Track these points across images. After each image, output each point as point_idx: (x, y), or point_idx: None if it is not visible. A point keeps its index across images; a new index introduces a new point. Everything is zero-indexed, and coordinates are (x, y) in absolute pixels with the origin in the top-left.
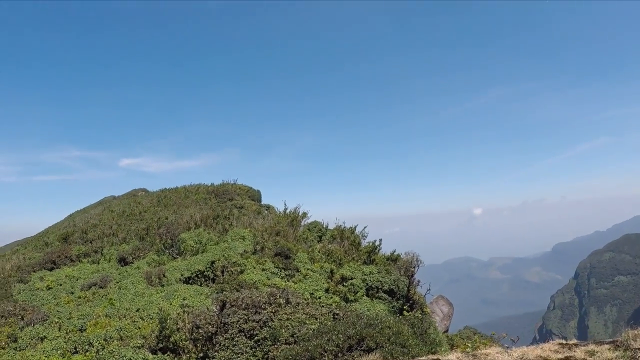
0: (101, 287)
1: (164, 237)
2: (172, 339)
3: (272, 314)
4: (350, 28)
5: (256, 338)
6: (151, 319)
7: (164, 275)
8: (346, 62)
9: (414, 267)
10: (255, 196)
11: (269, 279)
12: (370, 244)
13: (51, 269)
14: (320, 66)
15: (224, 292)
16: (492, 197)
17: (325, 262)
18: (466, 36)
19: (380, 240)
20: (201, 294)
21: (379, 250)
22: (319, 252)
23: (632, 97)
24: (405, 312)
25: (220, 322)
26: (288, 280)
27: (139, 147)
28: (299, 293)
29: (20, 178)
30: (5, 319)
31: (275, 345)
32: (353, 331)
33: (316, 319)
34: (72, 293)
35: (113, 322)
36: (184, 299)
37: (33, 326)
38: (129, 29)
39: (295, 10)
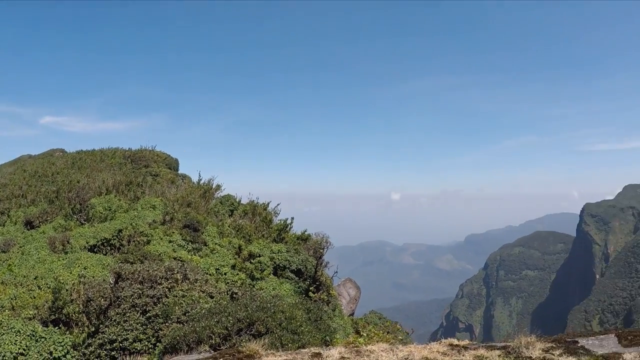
0: (3, 252)
1: (73, 202)
2: (64, 311)
3: (167, 289)
4: (295, 7)
5: (148, 314)
6: (48, 288)
7: (68, 242)
8: (286, 44)
9: (323, 249)
10: (172, 165)
11: (175, 252)
12: (282, 222)
13: None
14: (258, 44)
15: (121, 264)
16: (412, 183)
17: (234, 237)
18: (407, 27)
19: (292, 218)
20: (104, 263)
21: (290, 229)
22: (229, 226)
23: (563, 99)
24: (311, 293)
25: (114, 296)
26: (195, 254)
27: (63, 105)
28: (199, 269)
29: None
30: None
31: (167, 324)
32: (243, 314)
33: (212, 297)
34: None
35: (8, 289)
36: (84, 268)
37: None
38: None
39: None
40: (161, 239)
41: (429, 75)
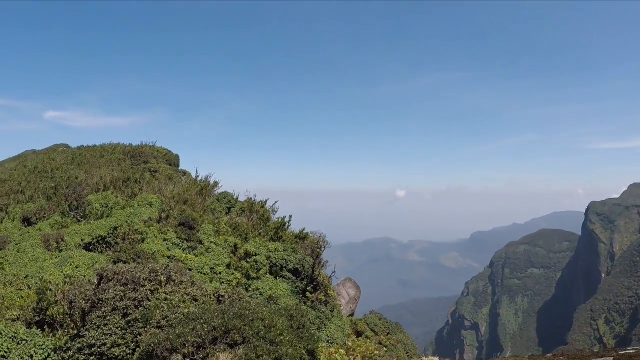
0: None
1: (70, 198)
2: (49, 313)
3: (150, 292)
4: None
5: (128, 318)
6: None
7: (62, 239)
8: (289, 44)
9: (320, 248)
10: (173, 160)
11: (169, 250)
12: (280, 220)
13: None
14: (260, 43)
15: (105, 265)
16: (416, 179)
17: (230, 235)
18: (407, 26)
19: (290, 216)
20: (97, 262)
21: (288, 227)
22: (225, 224)
23: (561, 98)
24: (308, 293)
25: (96, 298)
26: (189, 253)
27: (66, 100)
28: (185, 270)
29: None
30: None
31: (146, 328)
32: (219, 321)
33: (196, 300)
34: None
35: None
36: (76, 267)
37: None
38: None
39: None
40: (155, 236)
41: (434, 72)
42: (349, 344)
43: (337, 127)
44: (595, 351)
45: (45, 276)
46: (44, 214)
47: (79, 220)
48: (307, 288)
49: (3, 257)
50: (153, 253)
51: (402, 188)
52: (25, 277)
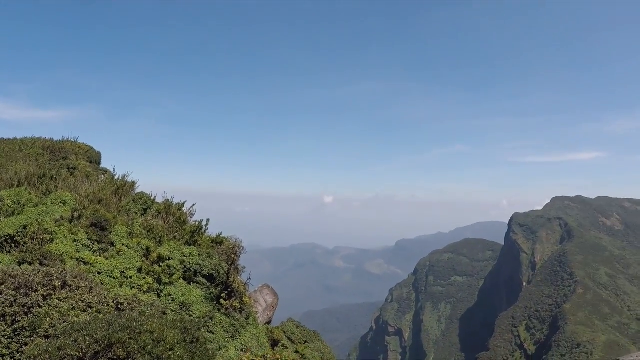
0: None
1: None
2: None
3: (42, 297)
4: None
5: (15, 326)
6: None
7: None
8: (220, 43)
9: (236, 254)
10: (94, 158)
11: (78, 252)
12: (196, 224)
13: None
14: (191, 42)
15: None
16: (345, 187)
17: (144, 238)
18: (343, 33)
19: (208, 220)
20: (0, 262)
21: (205, 231)
22: (140, 226)
23: (491, 111)
24: (222, 300)
25: None
26: (100, 255)
27: None
28: (85, 275)
29: None
30: None
31: (32, 338)
32: (102, 334)
33: (91, 308)
34: None
35: None
36: None
37: None
38: None
39: None
40: (66, 237)
41: (365, 80)
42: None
43: (268, 132)
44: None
45: None
46: None
47: None
48: (222, 295)
49: None
50: (61, 254)
51: (330, 194)
52: None
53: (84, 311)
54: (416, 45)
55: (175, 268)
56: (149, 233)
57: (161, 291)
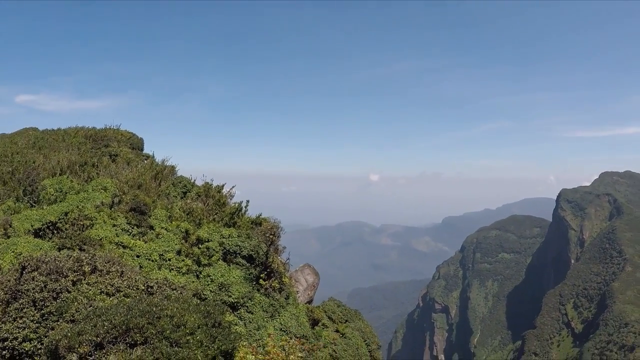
0: None
1: (24, 183)
2: None
3: (72, 283)
4: None
5: (44, 311)
6: None
7: (10, 226)
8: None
9: (274, 235)
10: (137, 144)
11: (117, 236)
12: (236, 205)
13: None
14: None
15: (27, 256)
16: (391, 165)
17: (184, 221)
18: (388, 14)
19: (248, 201)
20: (41, 249)
21: (245, 213)
22: (179, 209)
23: (537, 87)
24: (262, 281)
25: (16, 289)
26: (139, 239)
27: (39, 84)
28: (117, 259)
29: None
30: None
31: (58, 322)
32: (120, 319)
33: (120, 292)
34: None
35: None
36: (19, 255)
37: None
38: None
39: None
40: (105, 222)
41: (411, 59)
42: (269, 348)
43: (315, 113)
44: None
45: None
46: None
47: (32, 206)
48: (261, 275)
49: None
50: (101, 239)
51: (377, 173)
52: None
53: (112, 295)
54: (460, 24)
55: (214, 249)
56: (188, 216)
57: (200, 273)
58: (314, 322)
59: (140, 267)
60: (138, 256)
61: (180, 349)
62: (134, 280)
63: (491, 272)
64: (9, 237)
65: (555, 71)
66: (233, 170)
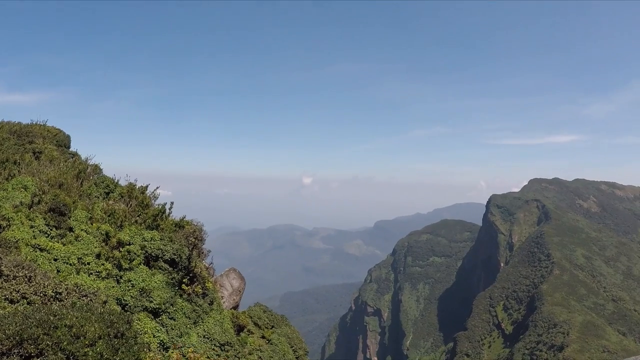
0: None
1: None
2: None
3: None
4: None
5: None
6: None
7: None
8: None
9: (197, 238)
10: (64, 141)
11: (35, 238)
12: (160, 207)
13: None
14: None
15: None
16: (324, 168)
17: (104, 223)
18: (319, 14)
19: (172, 203)
20: None
21: (169, 215)
22: (100, 210)
23: (470, 94)
24: (184, 286)
25: None
26: (58, 241)
27: None
28: (27, 263)
29: None
30: None
31: None
32: (14, 329)
33: (26, 298)
34: None
35: None
36: None
37: None
38: None
39: None
40: (22, 223)
41: (345, 62)
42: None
43: (249, 113)
44: None
45: None
46: None
47: None
48: (184, 280)
49: None
50: (17, 241)
51: (310, 176)
52: None
53: (17, 302)
54: (396, 27)
55: (135, 253)
56: (109, 217)
57: (121, 277)
58: (240, 328)
59: (58, 271)
60: (55, 259)
61: None
62: (42, 286)
63: (422, 275)
64: None
65: (489, 78)
66: (166, 171)
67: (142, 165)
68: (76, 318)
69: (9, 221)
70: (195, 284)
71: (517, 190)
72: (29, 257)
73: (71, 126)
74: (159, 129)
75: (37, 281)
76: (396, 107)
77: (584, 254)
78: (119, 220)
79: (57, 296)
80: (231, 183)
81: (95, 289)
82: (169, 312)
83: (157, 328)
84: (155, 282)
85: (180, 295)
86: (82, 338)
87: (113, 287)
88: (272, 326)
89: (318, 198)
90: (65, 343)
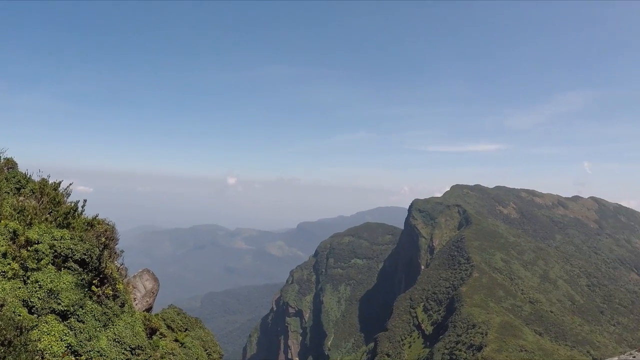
0: None
1: None
2: None
3: None
4: None
5: None
6: None
7: None
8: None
9: (109, 238)
10: None
11: None
12: (72, 205)
13: None
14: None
15: None
16: (249, 169)
17: (13, 220)
18: (249, 16)
19: (85, 201)
20: None
21: (81, 213)
22: (9, 207)
23: (396, 100)
24: (94, 287)
25: None
26: None
27: None
28: None
29: None
30: None
31: None
32: None
33: None
34: None
35: None
36: None
37: None
38: None
39: None
40: None
41: (271, 64)
42: None
43: (176, 111)
44: None
45: None
46: None
47: None
48: (94, 281)
49: None
50: None
51: (234, 176)
52: None
53: None
54: (323, 30)
55: (44, 252)
56: (19, 214)
57: (28, 278)
58: (152, 332)
59: None
60: None
61: None
62: None
63: (344, 277)
64: None
65: (414, 85)
66: (88, 168)
67: (65, 161)
68: None
69: None
70: (106, 285)
71: (439, 195)
72: None
73: None
74: (82, 125)
75: None
76: (323, 111)
77: (502, 257)
78: (28, 217)
79: None
80: (154, 181)
81: (7, 290)
82: (77, 315)
83: (65, 331)
84: (64, 283)
85: (90, 297)
86: None
87: (19, 288)
88: (186, 329)
89: (242, 199)
90: None
